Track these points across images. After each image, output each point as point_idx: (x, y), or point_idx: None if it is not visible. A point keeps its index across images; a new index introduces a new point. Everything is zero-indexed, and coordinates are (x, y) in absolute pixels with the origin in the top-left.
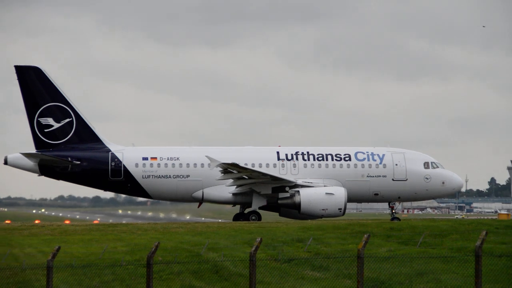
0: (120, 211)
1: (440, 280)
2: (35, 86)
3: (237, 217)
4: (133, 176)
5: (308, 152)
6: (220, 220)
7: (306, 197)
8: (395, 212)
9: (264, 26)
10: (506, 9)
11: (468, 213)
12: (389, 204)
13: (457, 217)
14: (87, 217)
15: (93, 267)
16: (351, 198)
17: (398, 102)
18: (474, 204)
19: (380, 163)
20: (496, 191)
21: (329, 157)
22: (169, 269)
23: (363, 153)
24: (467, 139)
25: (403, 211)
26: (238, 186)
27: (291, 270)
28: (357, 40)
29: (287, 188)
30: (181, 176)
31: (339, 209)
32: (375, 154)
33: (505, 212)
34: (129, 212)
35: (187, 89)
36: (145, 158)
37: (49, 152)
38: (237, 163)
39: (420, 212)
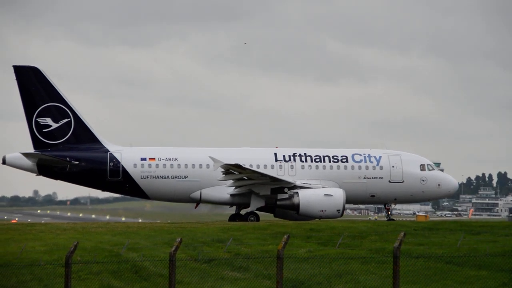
0: (39, 211)
1: (358, 281)
2: (34, 86)
3: (233, 218)
4: (132, 176)
5: (305, 154)
6: (140, 220)
7: (305, 198)
8: (390, 214)
9: (183, 26)
10: (423, 11)
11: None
12: (385, 206)
13: (369, 219)
14: (5, 217)
15: (11, 266)
16: (348, 200)
17: (317, 103)
18: (393, 206)
19: (377, 165)
20: None
21: (326, 158)
22: (88, 269)
23: (360, 154)
24: (388, 141)
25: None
26: (237, 187)
27: (211, 270)
28: (277, 41)
29: (286, 189)
30: (179, 177)
31: (337, 210)
32: (371, 156)
33: (423, 214)
34: (48, 211)
35: (105, 89)
36: (143, 159)
37: (48, 152)
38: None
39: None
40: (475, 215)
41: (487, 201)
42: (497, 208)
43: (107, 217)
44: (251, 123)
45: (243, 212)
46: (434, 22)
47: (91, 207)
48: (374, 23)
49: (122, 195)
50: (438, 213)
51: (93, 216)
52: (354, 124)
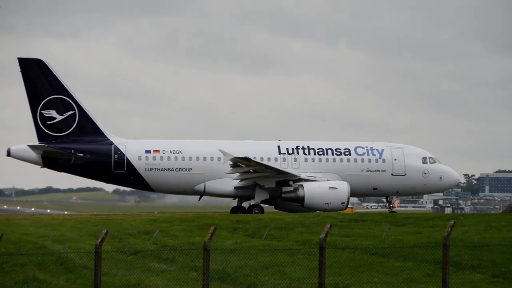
0: None
1: (285, 272)
2: (38, 79)
3: (234, 210)
4: (136, 169)
5: (308, 147)
6: (66, 212)
7: (310, 191)
8: (392, 206)
9: (111, 17)
10: (350, 4)
11: None
12: (386, 198)
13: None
14: None
15: None
16: (350, 192)
17: (244, 95)
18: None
19: (380, 158)
20: None
21: (329, 151)
22: (12, 261)
23: (363, 147)
24: (315, 134)
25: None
26: (242, 179)
27: (137, 262)
28: (204, 33)
29: (290, 182)
30: (183, 169)
31: (342, 203)
32: (374, 149)
33: (349, 206)
34: None
35: None
36: (148, 151)
37: (53, 144)
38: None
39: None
40: (400, 207)
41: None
42: (422, 200)
43: (32, 209)
44: (180, 115)
45: (245, 205)
46: (360, 15)
47: (16, 199)
48: (301, 15)
49: (47, 187)
50: (364, 205)
51: (18, 207)
52: (281, 116)
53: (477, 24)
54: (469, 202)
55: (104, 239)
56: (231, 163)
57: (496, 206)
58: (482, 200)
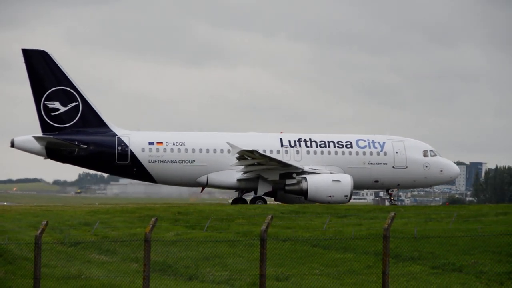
0: None
1: (226, 264)
2: (42, 70)
3: (235, 202)
4: (140, 160)
5: (310, 139)
6: (5, 203)
7: (313, 184)
8: (393, 199)
9: (50, 6)
10: None
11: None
12: (387, 191)
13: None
14: None
15: None
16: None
17: (184, 86)
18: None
19: (381, 150)
20: None
21: (331, 144)
22: None
23: (364, 140)
24: (257, 125)
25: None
26: (245, 172)
27: (77, 253)
28: (144, 24)
29: (294, 175)
30: (186, 161)
31: (345, 196)
32: (375, 142)
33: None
34: None
35: None
36: (151, 143)
37: (57, 136)
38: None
39: (208, 196)
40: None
41: None
42: (362, 191)
43: None
44: (120, 105)
45: (246, 197)
46: (300, 7)
47: None
48: (241, 7)
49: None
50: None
51: None
52: (221, 108)
53: (418, 17)
54: (409, 194)
55: (44, 230)
56: (238, 155)
57: (436, 198)
58: (422, 192)
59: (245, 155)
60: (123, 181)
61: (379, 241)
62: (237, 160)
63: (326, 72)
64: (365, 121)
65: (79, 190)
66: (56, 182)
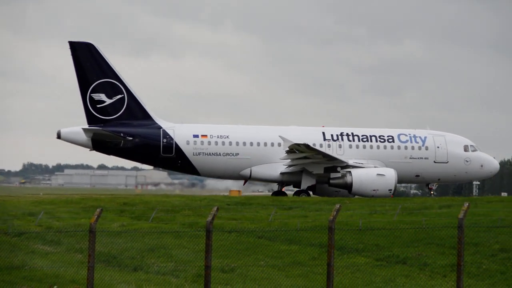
0: None
1: (171, 255)
2: (88, 62)
3: (276, 195)
4: (184, 153)
5: (352, 133)
6: None
7: (358, 177)
8: (433, 194)
9: None
10: None
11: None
12: (427, 186)
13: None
14: None
15: None
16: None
17: (130, 76)
18: (207, 181)
19: (423, 145)
20: None
21: (373, 138)
22: None
23: (406, 135)
24: (200, 116)
25: (136, 186)
26: (290, 165)
27: (21, 244)
28: (87, 13)
29: (338, 169)
30: (230, 154)
31: (389, 190)
32: (417, 137)
33: (237, 189)
34: None
35: None
36: (195, 136)
37: (103, 128)
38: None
39: (154, 187)
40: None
41: None
42: None
43: None
44: (63, 97)
45: (283, 190)
46: None
47: None
48: None
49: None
50: (252, 188)
51: None
52: (166, 99)
53: (363, 10)
54: None
55: None
56: (287, 149)
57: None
58: None
59: (294, 149)
60: (68, 171)
61: (324, 233)
62: (286, 154)
63: (274, 63)
64: (313, 114)
65: (23, 180)
66: (0, 172)
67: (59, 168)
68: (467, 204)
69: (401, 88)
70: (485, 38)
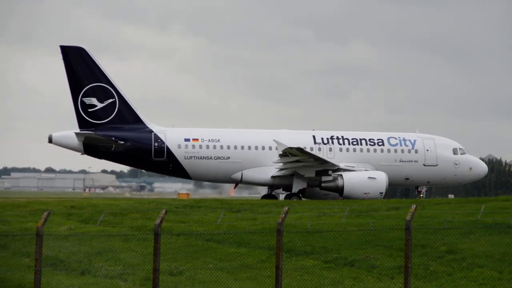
0: None
1: (119, 259)
2: (80, 66)
3: (265, 198)
4: (176, 157)
5: (342, 137)
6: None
7: (349, 180)
8: (422, 197)
9: None
10: None
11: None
12: (416, 188)
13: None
14: None
15: None
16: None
17: None
18: (155, 184)
19: (412, 148)
20: None
21: (363, 141)
22: None
23: (395, 138)
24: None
25: (84, 189)
26: (282, 168)
27: None
28: (34, 15)
29: (330, 172)
30: (221, 158)
31: (380, 193)
32: (406, 140)
33: (185, 192)
34: None
35: None
36: (187, 139)
37: (94, 132)
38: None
39: (102, 191)
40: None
41: None
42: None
43: None
44: (8, 99)
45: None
46: (195, 2)
47: None
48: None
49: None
50: (200, 191)
51: None
52: None
53: (309, 12)
54: None
55: None
56: (281, 153)
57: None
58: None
59: (288, 153)
60: (15, 174)
61: (272, 235)
62: (279, 157)
63: (222, 66)
64: (262, 116)
65: None
66: None
67: (6, 171)
68: (415, 206)
69: (348, 91)
70: (428, 41)
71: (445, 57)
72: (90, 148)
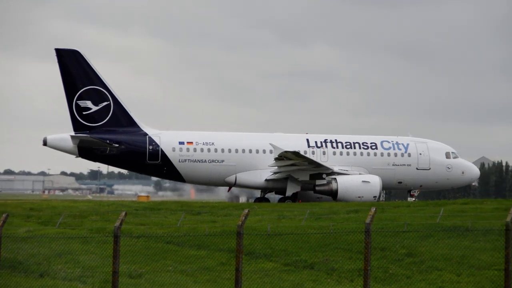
0: None
1: (78, 261)
2: (74, 69)
3: (258, 201)
4: (170, 160)
5: (336, 140)
6: None
7: (343, 184)
8: (415, 200)
9: None
10: None
11: (108, 195)
12: (409, 192)
13: (89, 198)
14: None
15: None
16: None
17: (36, 81)
18: (115, 186)
19: (405, 152)
20: (137, 173)
21: (357, 145)
22: None
23: (388, 142)
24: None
25: (43, 191)
26: (276, 172)
27: None
28: None
29: (324, 175)
30: (215, 161)
31: (374, 196)
32: (399, 143)
33: (145, 195)
34: None
35: None
36: (181, 143)
37: (90, 134)
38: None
39: (61, 193)
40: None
41: None
42: (217, 189)
43: None
44: None
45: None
46: (152, 2)
47: None
48: (95, 1)
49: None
50: (160, 193)
51: None
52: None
53: (269, 15)
54: None
55: None
56: (276, 156)
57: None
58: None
59: (284, 156)
60: None
61: (232, 238)
62: (274, 161)
63: (183, 68)
64: (224, 118)
65: None
66: None
67: None
68: (374, 209)
69: (309, 93)
70: (391, 44)
71: (408, 60)
72: (85, 151)
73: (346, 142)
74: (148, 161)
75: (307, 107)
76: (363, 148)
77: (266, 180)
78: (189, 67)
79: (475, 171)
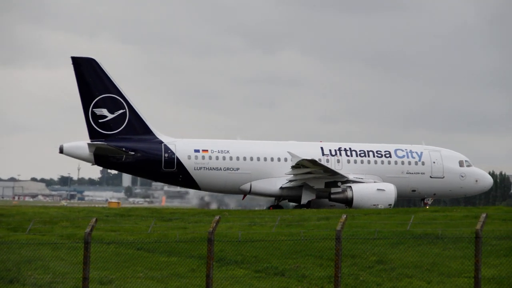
0: None
1: (48, 267)
2: (91, 77)
3: (273, 209)
4: (186, 167)
5: (350, 148)
6: None
7: (359, 192)
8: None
9: None
10: None
11: (73, 201)
12: (422, 200)
13: (64, 204)
14: None
15: None
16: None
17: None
18: (86, 192)
19: (419, 160)
20: (107, 180)
21: (371, 153)
22: None
23: (402, 150)
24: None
25: (13, 197)
26: (291, 180)
27: None
28: None
29: (339, 183)
30: (231, 169)
31: (389, 205)
32: (413, 152)
33: (116, 201)
34: None
35: None
36: (196, 150)
37: (106, 142)
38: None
39: (31, 199)
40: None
41: (178, 189)
42: (188, 195)
43: None
44: None
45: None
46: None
47: None
48: (62, 6)
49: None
50: (131, 199)
51: None
52: (46, 109)
53: (239, 21)
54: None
55: None
56: (293, 164)
57: (261, 203)
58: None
59: (300, 164)
60: None
61: (203, 244)
62: (291, 169)
63: (151, 74)
64: (192, 125)
65: None
66: None
67: None
68: (345, 216)
69: (278, 100)
70: (361, 51)
71: (378, 68)
72: (101, 158)
73: (360, 150)
74: (164, 169)
75: (274, 113)
76: (377, 156)
77: (281, 188)
78: (158, 73)
79: (489, 179)
